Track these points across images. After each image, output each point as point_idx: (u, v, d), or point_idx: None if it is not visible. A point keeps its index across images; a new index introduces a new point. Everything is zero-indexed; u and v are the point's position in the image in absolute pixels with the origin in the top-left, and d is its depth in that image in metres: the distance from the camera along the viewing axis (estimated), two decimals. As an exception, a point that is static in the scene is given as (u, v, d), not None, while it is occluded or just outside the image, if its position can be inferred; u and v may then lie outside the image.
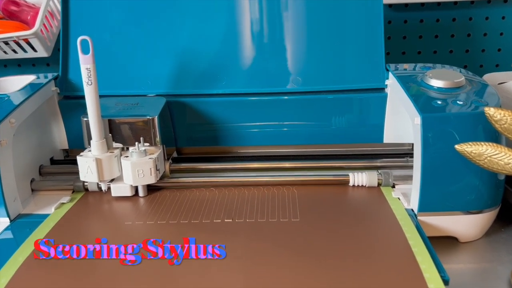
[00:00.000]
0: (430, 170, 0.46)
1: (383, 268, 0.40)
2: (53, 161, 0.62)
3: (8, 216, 0.50)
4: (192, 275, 0.41)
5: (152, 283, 0.40)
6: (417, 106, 0.48)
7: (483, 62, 0.85)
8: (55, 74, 0.62)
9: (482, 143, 0.42)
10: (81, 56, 0.49)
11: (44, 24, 0.75)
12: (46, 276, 0.41)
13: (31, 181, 0.57)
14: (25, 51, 0.77)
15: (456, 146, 0.43)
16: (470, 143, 0.43)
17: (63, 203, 0.54)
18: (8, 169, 0.51)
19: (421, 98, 0.49)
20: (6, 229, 0.49)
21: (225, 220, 0.49)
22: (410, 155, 0.59)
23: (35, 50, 0.77)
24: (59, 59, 0.62)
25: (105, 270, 0.42)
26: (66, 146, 0.63)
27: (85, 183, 0.56)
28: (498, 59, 0.84)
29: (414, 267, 0.40)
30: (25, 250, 0.44)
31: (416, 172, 0.48)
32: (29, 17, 0.77)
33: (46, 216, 0.51)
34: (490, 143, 0.42)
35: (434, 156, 0.46)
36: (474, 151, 0.42)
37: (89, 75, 0.49)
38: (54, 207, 0.52)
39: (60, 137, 0.63)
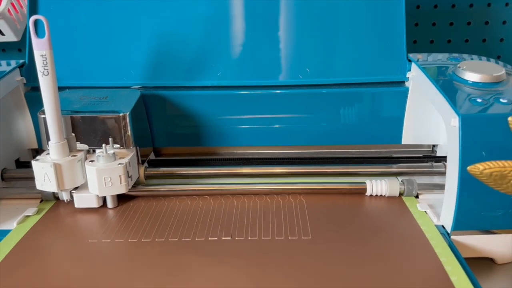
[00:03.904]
0: (469, 181, 0.39)
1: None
2: (19, 164, 0.54)
3: (-39, 231, 0.42)
4: None
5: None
6: (453, 104, 0.40)
7: (501, 52, 0.77)
8: (21, 61, 0.53)
9: (505, 162, 0.35)
10: (34, 40, 0.40)
11: (12, 3, 0.66)
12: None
13: (-9, 188, 0.49)
14: (-9, 34, 0.68)
15: (470, 168, 0.36)
16: (489, 162, 0.35)
17: (27, 216, 0.45)
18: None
19: (456, 95, 0.42)
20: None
21: (223, 238, 0.41)
22: (434, 159, 0.51)
23: (2, 34, 0.68)
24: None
25: None
26: (35, 145, 0.55)
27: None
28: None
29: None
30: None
31: (451, 184, 0.40)
32: (-6, -4, 0.68)
33: (6, 232, 0.43)
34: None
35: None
36: (495, 173, 0.35)
37: (45, 63, 0.41)
38: (16, 222, 0.44)
39: (27, 135, 0.55)
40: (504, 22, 0.75)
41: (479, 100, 0.41)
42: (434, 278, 0.36)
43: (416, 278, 0.36)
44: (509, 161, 0.35)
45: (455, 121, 0.39)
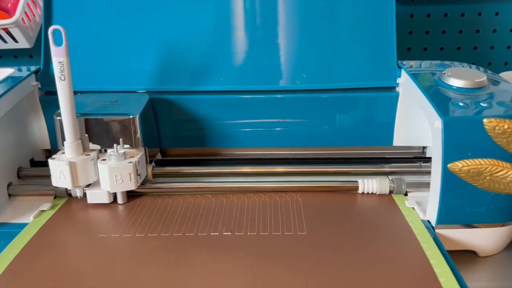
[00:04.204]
0: (451, 178, 0.42)
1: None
2: (33, 163, 0.57)
3: (-19, 225, 0.45)
4: None
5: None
6: (437, 108, 0.43)
7: (491, 59, 0.80)
8: (36, 67, 0.57)
9: (481, 160, 0.38)
10: (53, 48, 0.44)
11: (25, 13, 0.69)
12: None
13: (8, 185, 0.52)
14: (5, 41, 0.72)
15: (450, 165, 0.39)
16: (467, 160, 0.38)
17: (43, 211, 0.49)
18: (-19, 172, 0.45)
19: (441, 99, 0.45)
20: (-22, 240, 0.44)
21: (224, 233, 0.44)
22: (423, 159, 0.55)
23: (16, 41, 0.71)
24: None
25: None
26: (48, 146, 0.58)
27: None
28: (507, 56, 0.80)
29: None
30: (-1, 266, 0.39)
31: (435, 181, 0.44)
32: (9, 5, 0.72)
33: (23, 225, 0.46)
34: (490, 160, 0.38)
35: (456, 164, 0.42)
36: (472, 170, 0.38)
37: (62, 69, 0.44)
38: (33, 216, 0.47)
39: (41, 136, 0.58)
40: (494, 31, 0.78)
41: (461, 104, 0.44)
42: (419, 270, 0.38)
43: (402, 271, 0.38)
44: (485, 159, 0.38)
45: (438, 123, 0.42)
